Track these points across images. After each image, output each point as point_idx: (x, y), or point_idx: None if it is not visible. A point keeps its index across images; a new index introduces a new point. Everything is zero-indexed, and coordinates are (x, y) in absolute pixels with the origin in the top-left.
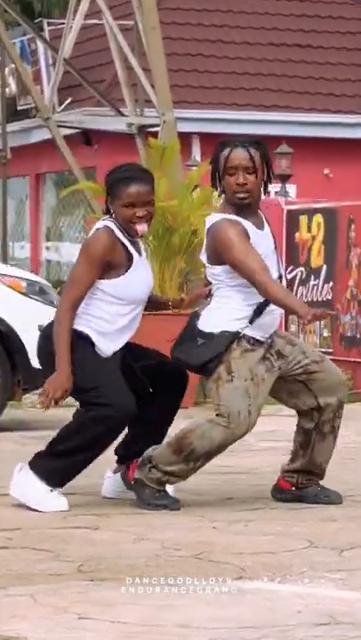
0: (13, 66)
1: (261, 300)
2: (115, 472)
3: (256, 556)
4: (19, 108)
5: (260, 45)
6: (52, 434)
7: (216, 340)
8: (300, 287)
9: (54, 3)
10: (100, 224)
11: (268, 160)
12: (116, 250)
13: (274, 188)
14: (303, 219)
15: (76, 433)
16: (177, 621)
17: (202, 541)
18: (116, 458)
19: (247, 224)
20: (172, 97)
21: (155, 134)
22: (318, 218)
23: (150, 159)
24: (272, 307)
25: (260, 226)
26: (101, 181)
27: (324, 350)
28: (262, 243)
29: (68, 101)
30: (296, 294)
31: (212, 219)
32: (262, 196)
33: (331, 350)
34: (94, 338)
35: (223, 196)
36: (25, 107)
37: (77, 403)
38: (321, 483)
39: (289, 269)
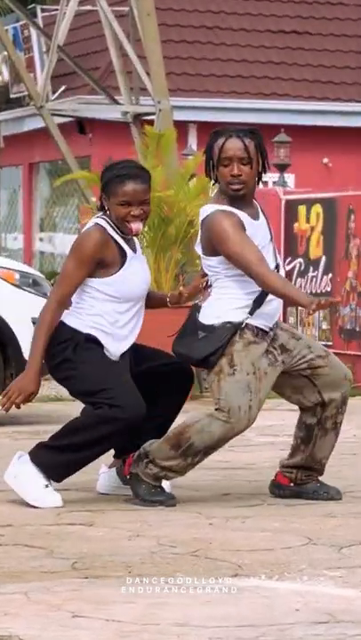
0: (6, 53)
1: (260, 288)
2: (110, 467)
3: (254, 553)
4: (12, 95)
5: (257, 32)
6: (46, 428)
7: (217, 332)
8: (299, 279)
9: None
10: (92, 222)
11: (263, 150)
12: (109, 248)
13: (272, 177)
14: (302, 209)
15: (84, 429)
16: (173, 620)
17: (198, 538)
18: (112, 452)
19: (242, 215)
20: (168, 85)
21: (150, 123)
22: (317, 208)
23: (146, 148)
24: (271, 295)
25: (255, 216)
26: (96, 170)
27: (323, 343)
28: (258, 233)
29: (61, 89)
30: (295, 286)
31: (207, 209)
32: (257, 187)
33: (330, 343)
34: (103, 340)
35: (217, 185)
36: (18, 95)
37: (71, 398)
38: (320, 478)
39: (287, 261)
